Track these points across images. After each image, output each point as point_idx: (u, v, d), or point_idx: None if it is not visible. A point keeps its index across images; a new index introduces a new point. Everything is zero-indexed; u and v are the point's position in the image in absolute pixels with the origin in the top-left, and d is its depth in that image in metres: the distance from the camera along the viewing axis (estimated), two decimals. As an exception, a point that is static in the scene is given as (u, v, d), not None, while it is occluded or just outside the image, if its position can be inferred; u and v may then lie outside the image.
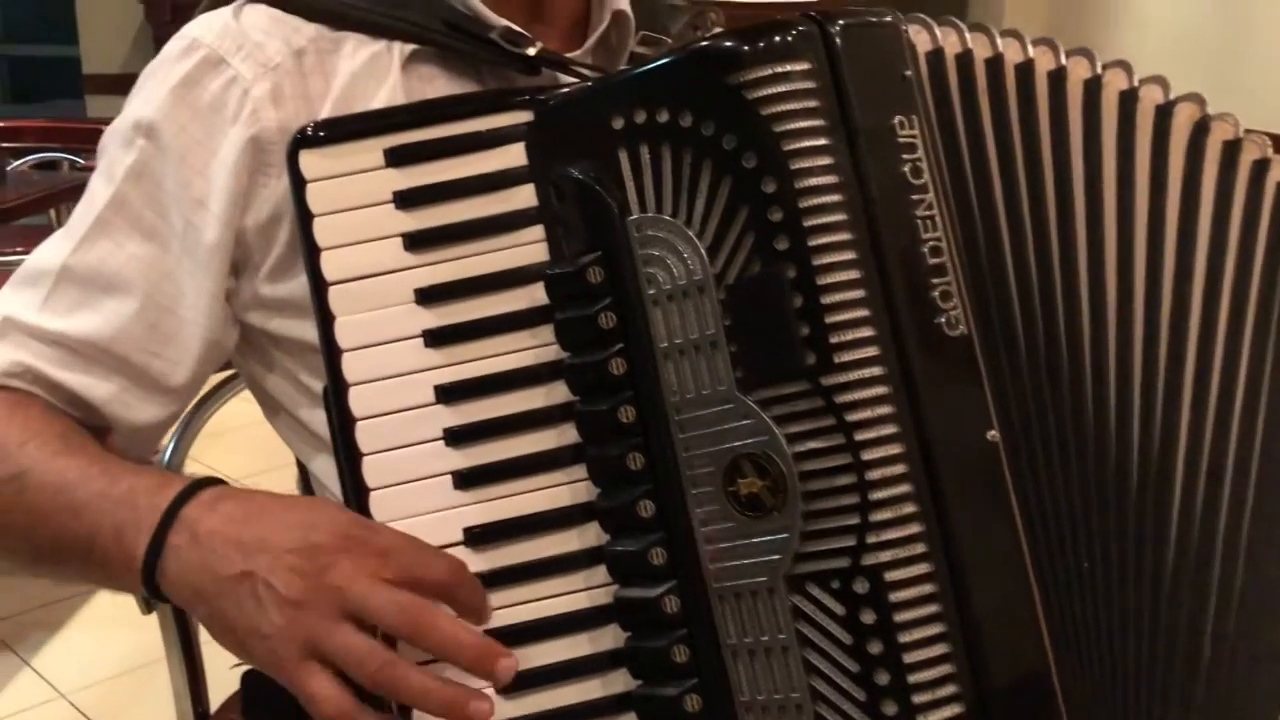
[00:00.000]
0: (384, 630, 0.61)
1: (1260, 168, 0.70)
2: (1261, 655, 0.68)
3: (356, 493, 0.67)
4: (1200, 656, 0.66)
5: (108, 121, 0.80)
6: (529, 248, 0.69)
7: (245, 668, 0.73)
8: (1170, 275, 0.67)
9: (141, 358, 0.75)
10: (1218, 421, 0.67)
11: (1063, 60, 0.68)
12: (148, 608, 1.05)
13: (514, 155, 0.70)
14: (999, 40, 0.67)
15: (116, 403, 0.75)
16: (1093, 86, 0.68)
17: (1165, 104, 0.69)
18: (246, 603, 0.62)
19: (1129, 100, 0.68)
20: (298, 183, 0.69)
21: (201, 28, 0.77)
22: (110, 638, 2.10)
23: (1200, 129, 0.69)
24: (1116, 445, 0.65)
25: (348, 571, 0.60)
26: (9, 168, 2.94)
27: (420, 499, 0.67)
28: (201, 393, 1.09)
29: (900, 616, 0.59)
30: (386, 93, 0.77)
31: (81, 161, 3.14)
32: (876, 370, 0.60)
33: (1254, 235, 0.69)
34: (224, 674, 0.67)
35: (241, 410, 0.84)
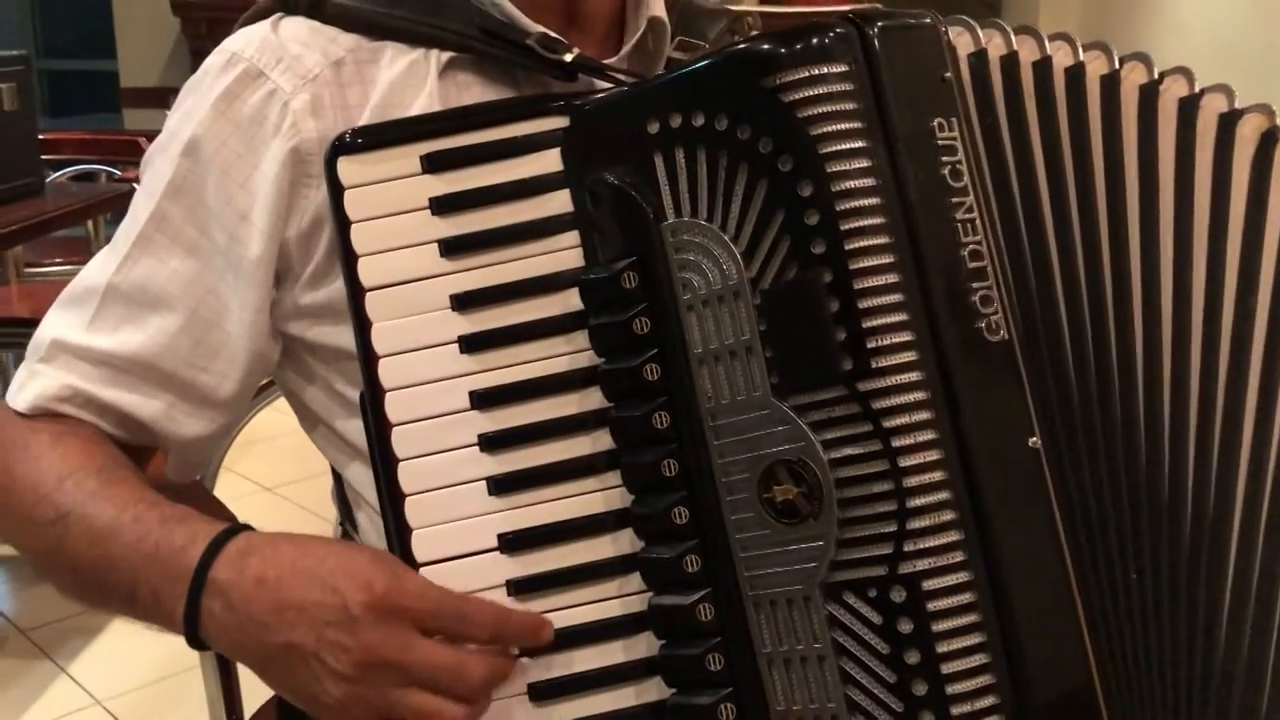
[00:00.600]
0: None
1: None
2: None
3: (392, 499, 0.67)
4: (1260, 692, 0.64)
5: (145, 134, 0.81)
6: (564, 253, 0.69)
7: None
8: (1234, 286, 0.65)
9: (188, 373, 0.76)
10: None
11: (1117, 65, 0.67)
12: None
13: (550, 161, 0.70)
14: (1048, 43, 0.66)
15: (165, 419, 0.76)
16: (1149, 92, 0.67)
17: (1230, 112, 0.67)
18: (299, 672, 0.62)
19: (1189, 107, 0.67)
20: (335, 189, 0.69)
21: (240, 42, 0.77)
22: (146, 645, 2.11)
23: (1269, 139, 0.67)
24: (1171, 460, 0.64)
25: (396, 645, 0.60)
26: (48, 179, 2.98)
27: (455, 505, 0.67)
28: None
29: (938, 626, 0.58)
30: (423, 100, 0.77)
31: (119, 173, 3.17)
32: (915, 376, 0.59)
33: None
34: (258, 681, 0.67)
35: (273, 420, 0.84)
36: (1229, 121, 0.67)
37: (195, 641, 0.66)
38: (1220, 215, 0.66)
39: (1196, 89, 0.68)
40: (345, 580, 0.61)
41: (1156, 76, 0.67)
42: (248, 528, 0.68)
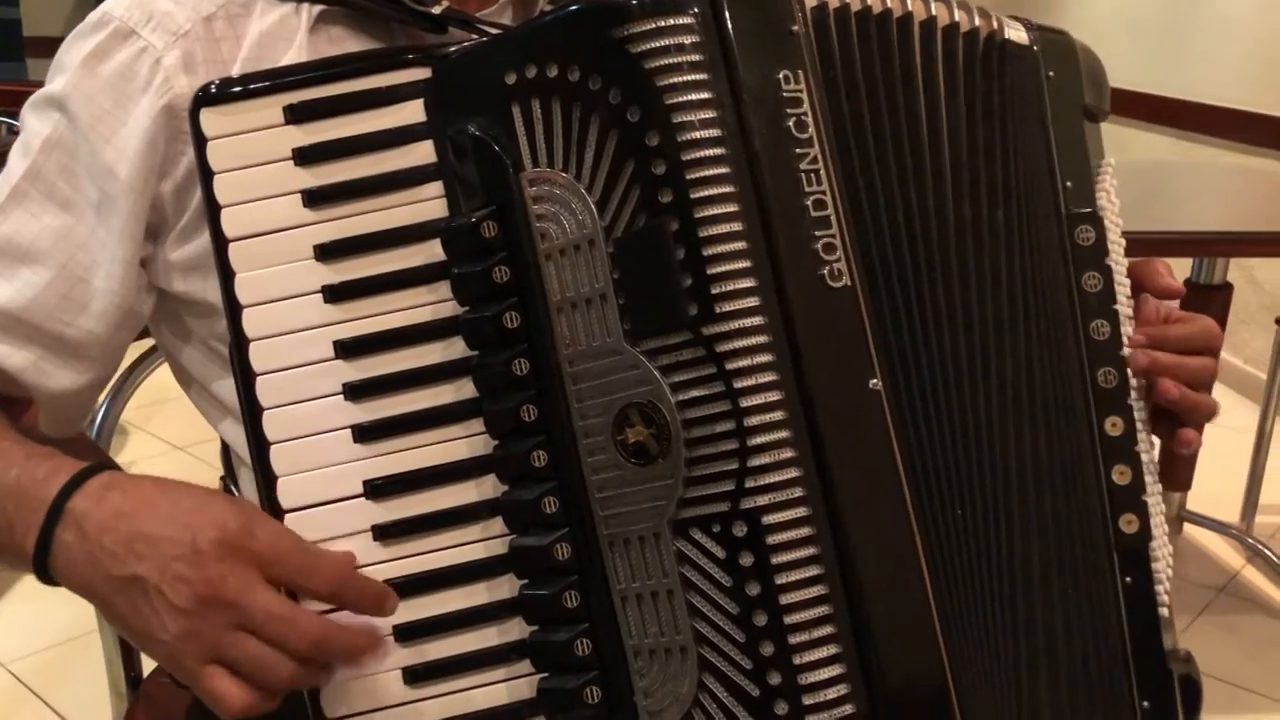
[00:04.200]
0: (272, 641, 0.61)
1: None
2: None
3: (258, 447, 0.68)
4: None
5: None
6: (428, 204, 0.70)
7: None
8: (986, 206, 0.70)
9: (55, 326, 0.76)
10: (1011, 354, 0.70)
11: (955, 15, 0.69)
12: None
13: (413, 112, 0.70)
14: None
15: (33, 370, 0.76)
16: (971, 38, 0.70)
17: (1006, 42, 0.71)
18: (140, 605, 0.62)
19: (991, 43, 0.70)
20: (199, 141, 0.69)
21: (113, 1, 0.77)
22: (48, 609, 2.10)
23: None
24: (981, 391, 0.68)
25: (236, 585, 0.60)
26: (-54, 132, 2.88)
27: (320, 452, 0.68)
28: (130, 359, 1.09)
29: (778, 559, 0.60)
30: (293, 54, 0.77)
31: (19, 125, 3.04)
32: (757, 320, 0.61)
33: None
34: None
35: None
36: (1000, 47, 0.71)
37: (44, 574, 0.66)
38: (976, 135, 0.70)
39: (1009, 31, 0.71)
40: (199, 518, 0.62)
41: (980, 22, 0.70)
42: (115, 466, 0.68)
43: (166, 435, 2.75)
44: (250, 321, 0.69)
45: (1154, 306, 0.76)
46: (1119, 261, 0.73)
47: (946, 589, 0.65)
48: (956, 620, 0.65)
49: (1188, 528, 2.31)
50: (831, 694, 0.61)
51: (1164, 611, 0.71)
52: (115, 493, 0.65)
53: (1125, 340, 0.72)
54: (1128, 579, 0.70)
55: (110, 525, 0.63)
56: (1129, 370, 0.72)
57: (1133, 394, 0.72)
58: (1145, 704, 0.70)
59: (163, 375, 1.27)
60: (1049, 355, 0.70)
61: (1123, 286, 0.73)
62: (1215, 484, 2.27)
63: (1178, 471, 2.12)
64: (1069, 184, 0.72)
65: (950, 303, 0.67)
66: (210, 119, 0.69)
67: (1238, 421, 2.57)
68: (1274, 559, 2.21)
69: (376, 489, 0.68)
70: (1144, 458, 0.72)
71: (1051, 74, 0.72)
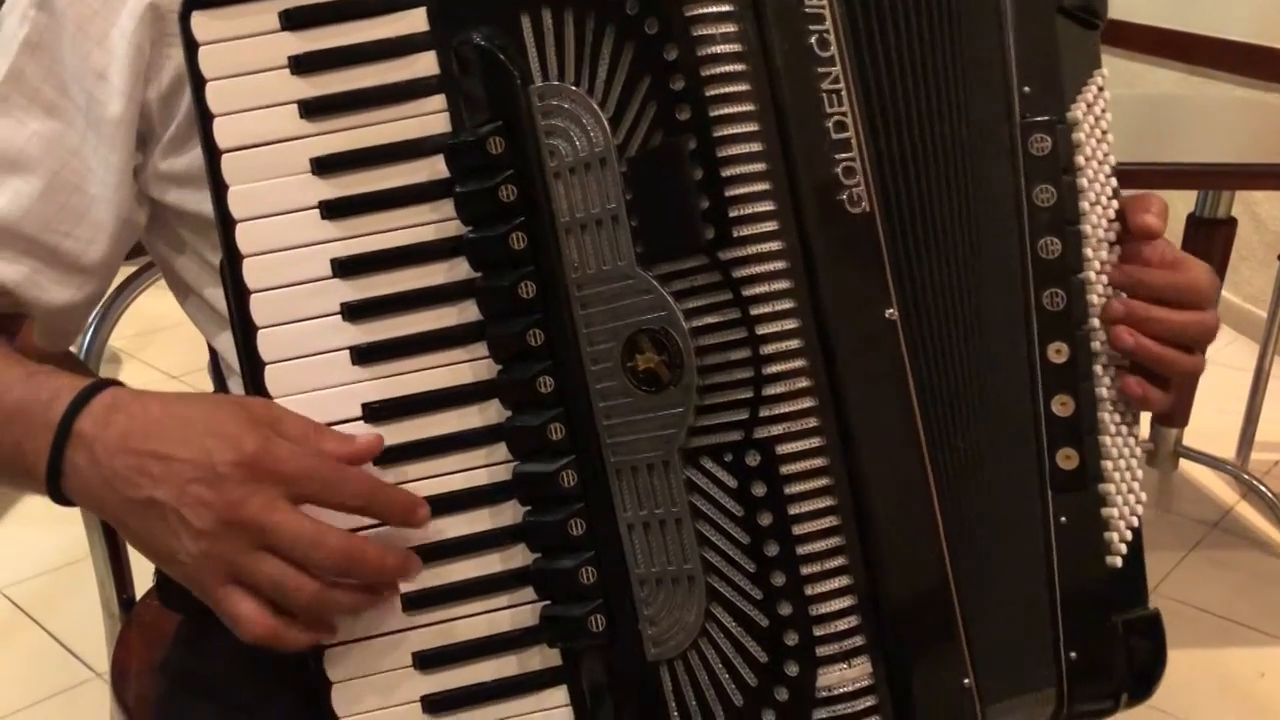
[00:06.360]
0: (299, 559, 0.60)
1: None
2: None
3: (252, 367, 0.66)
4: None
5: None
6: (430, 118, 0.67)
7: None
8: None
9: (52, 238, 0.73)
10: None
11: None
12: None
13: (415, 20, 0.67)
14: None
15: (29, 284, 0.73)
16: None
17: None
18: (158, 527, 0.60)
19: None
20: (190, 46, 0.66)
21: None
22: (43, 533, 2.10)
23: None
24: (961, 319, 0.65)
25: (258, 506, 0.59)
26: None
27: (317, 374, 0.66)
28: (118, 281, 1.06)
29: (791, 489, 0.59)
30: None
31: None
32: (775, 245, 0.59)
33: None
34: (148, 561, 0.66)
35: (178, 307, 0.82)
36: None
37: (58, 496, 0.64)
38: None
39: None
40: (213, 438, 0.60)
41: None
42: (116, 383, 0.66)
43: (163, 365, 2.73)
44: (244, 236, 0.66)
45: (1160, 249, 0.69)
46: (1098, 182, 0.68)
47: (955, 519, 0.64)
48: (964, 549, 0.64)
49: (1183, 463, 2.32)
50: (842, 625, 0.60)
51: (1115, 560, 0.68)
52: (120, 414, 0.63)
53: (1097, 266, 0.67)
54: (1062, 518, 0.67)
55: (120, 449, 0.61)
56: (1091, 298, 0.67)
57: (1093, 324, 0.67)
58: (1072, 654, 0.67)
59: (155, 304, 1.25)
60: (998, 274, 0.66)
61: (1099, 209, 0.68)
62: (1212, 421, 2.27)
63: (1175, 409, 2.12)
64: (1027, 89, 0.67)
65: (950, 227, 0.65)
66: (202, 23, 0.66)
67: (1236, 359, 2.57)
68: (1268, 495, 2.22)
69: (375, 412, 0.66)
70: (1103, 393, 0.67)
71: None
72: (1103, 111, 0.69)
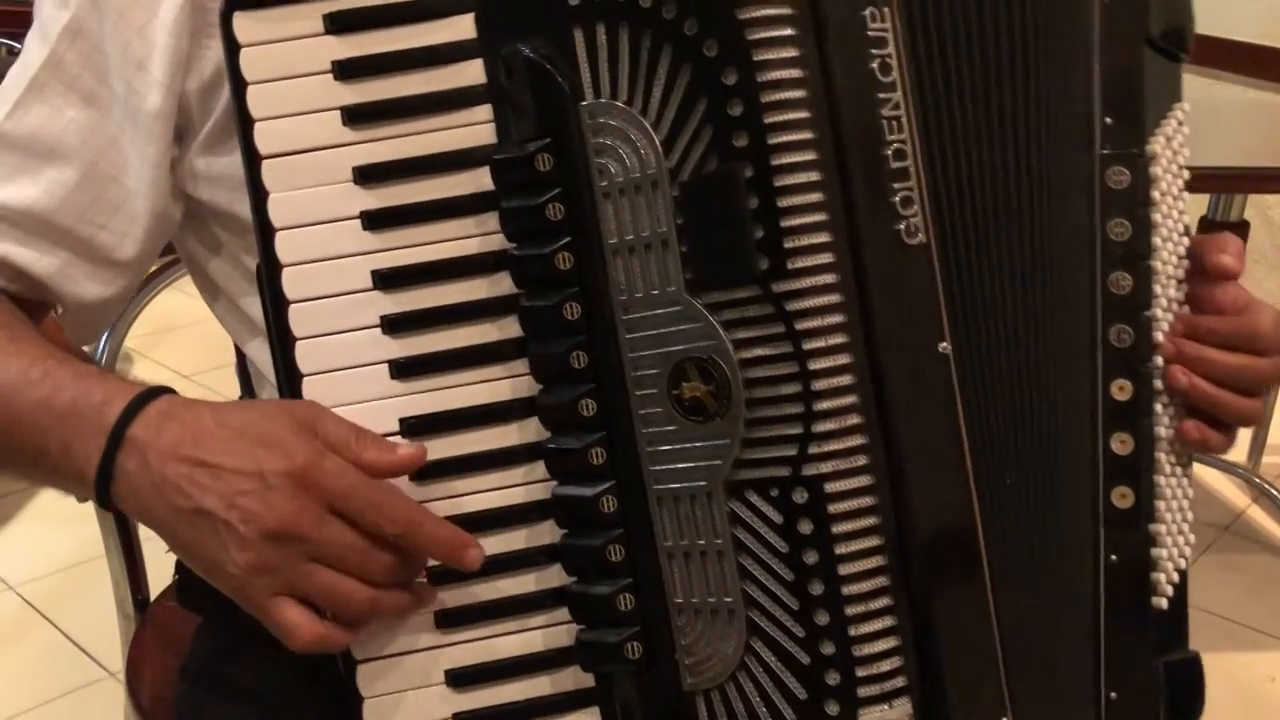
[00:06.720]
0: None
1: None
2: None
3: (289, 379, 0.65)
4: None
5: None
6: (476, 128, 0.65)
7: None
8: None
9: (87, 230, 0.72)
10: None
11: None
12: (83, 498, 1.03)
13: (463, 27, 0.65)
14: None
15: (63, 277, 0.72)
16: None
17: None
18: (207, 538, 0.60)
19: None
20: (231, 48, 0.64)
21: None
22: (58, 532, 2.10)
23: None
24: (1018, 351, 0.64)
25: (309, 519, 0.59)
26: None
27: (355, 387, 0.65)
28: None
29: (838, 528, 0.58)
30: None
31: (19, 47, 2.89)
32: (829, 278, 0.58)
33: None
34: (163, 561, 0.65)
35: (189, 306, 0.81)
36: None
37: (105, 501, 0.63)
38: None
39: None
40: (264, 449, 0.59)
41: None
42: (170, 390, 0.65)
43: (173, 364, 2.72)
44: (284, 245, 0.65)
45: (1232, 293, 0.68)
46: (1171, 217, 0.67)
47: (1000, 556, 0.63)
48: (1010, 587, 0.63)
49: (1194, 466, 2.31)
50: (885, 666, 0.59)
51: (1161, 602, 0.67)
52: (174, 422, 0.62)
53: (1164, 303, 0.66)
54: (1113, 557, 0.66)
55: (171, 454, 0.60)
56: (1156, 335, 0.66)
57: (1157, 362, 0.66)
58: (1112, 695, 0.66)
59: (167, 303, 1.23)
60: (1064, 308, 0.65)
61: (1169, 244, 0.67)
62: (1224, 424, 2.26)
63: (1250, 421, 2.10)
64: (1109, 120, 0.66)
65: (1010, 259, 0.63)
66: (244, 24, 0.64)
67: (1248, 361, 2.56)
68: (1279, 499, 2.22)
69: (413, 427, 0.65)
70: (1160, 431, 0.67)
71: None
72: (1180, 145, 0.68)
